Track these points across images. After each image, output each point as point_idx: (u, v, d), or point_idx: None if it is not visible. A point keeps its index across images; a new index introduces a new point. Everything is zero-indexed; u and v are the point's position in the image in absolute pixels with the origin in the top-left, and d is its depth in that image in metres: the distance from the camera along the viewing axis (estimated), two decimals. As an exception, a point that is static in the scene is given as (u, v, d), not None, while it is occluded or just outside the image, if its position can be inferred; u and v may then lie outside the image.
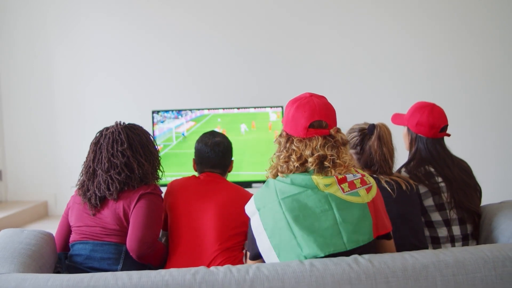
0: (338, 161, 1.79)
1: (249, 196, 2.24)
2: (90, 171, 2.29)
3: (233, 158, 2.62)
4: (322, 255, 1.68)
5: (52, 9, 5.02)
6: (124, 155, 2.26)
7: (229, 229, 2.30)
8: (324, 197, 1.73)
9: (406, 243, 2.10)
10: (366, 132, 2.31)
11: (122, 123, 2.39)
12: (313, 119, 1.80)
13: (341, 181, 1.76)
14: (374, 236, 1.75)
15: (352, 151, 2.35)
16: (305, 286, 1.59)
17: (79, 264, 2.17)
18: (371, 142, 2.27)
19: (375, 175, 2.26)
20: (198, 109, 4.32)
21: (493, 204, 2.41)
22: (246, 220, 1.94)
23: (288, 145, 1.84)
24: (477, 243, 2.42)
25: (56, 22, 5.03)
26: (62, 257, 2.18)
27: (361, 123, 2.40)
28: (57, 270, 2.10)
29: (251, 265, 1.67)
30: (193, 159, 2.57)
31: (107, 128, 2.36)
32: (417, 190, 2.29)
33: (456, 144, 4.59)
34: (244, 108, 4.28)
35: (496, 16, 4.72)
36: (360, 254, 1.70)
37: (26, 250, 1.92)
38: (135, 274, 1.64)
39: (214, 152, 2.49)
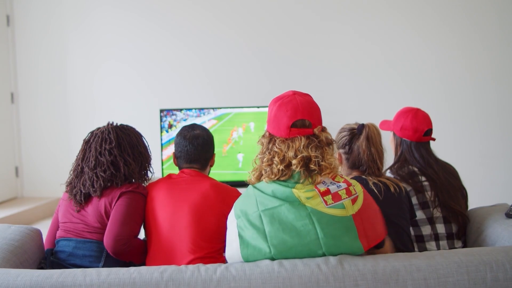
0: (323, 163, 1.70)
1: (229, 195, 2.20)
2: (78, 169, 2.33)
3: (215, 152, 2.50)
4: None
5: (66, 9, 5.12)
6: (111, 154, 2.28)
7: (205, 237, 2.18)
8: (305, 212, 1.65)
9: None
10: (355, 132, 2.28)
11: (114, 124, 2.41)
12: (296, 118, 1.72)
13: (324, 194, 1.66)
14: (366, 249, 1.67)
15: (341, 151, 2.32)
16: (271, 287, 1.57)
17: (62, 260, 2.20)
18: (360, 142, 2.24)
19: (363, 176, 2.23)
20: (210, 108, 4.31)
21: (484, 207, 2.36)
22: (223, 226, 1.91)
23: (270, 146, 1.76)
24: (463, 244, 2.39)
25: (70, 23, 5.13)
26: (47, 254, 2.21)
27: (352, 123, 2.37)
28: (40, 266, 2.13)
29: (220, 265, 1.66)
30: (173, 152, 2.46)
31: (98, 128, 2.39)
32: (406, 193, 2.25)
33: (466, 144, 4.60)
34: (257, 107, 4.25)
35: (508, 19, 4.63)
36: None
37: (9, 246, 1.95)
38: (104, 271, 1.64)
39: (193, 145, 2.37)
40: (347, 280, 1.57)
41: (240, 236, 1.71)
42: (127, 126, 2.43)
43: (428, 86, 4.68)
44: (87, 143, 2.35)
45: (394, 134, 2.58)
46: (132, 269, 1.66)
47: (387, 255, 1.67)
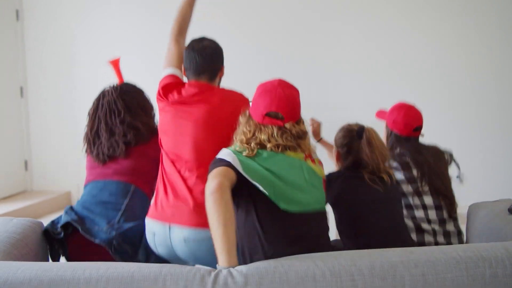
0: (299, 149, 1.86)
1: (238, 104, 2.16)
2: (90, 138, 2.42)
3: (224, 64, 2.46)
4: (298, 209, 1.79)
5: (74, 3, 5.15)
6: (123, 122, 2.37)
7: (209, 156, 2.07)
8: (298, 162, 1.82)
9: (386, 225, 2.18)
10: (355, 134, 2.29)
11: (117, 88, 2.46)
12: (270, 109, 1.83)
13: (307, 156, 1.86)
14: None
15: (339, 149, 2.35)
16: (268, 281, 1.57)
17: (88, 203, 2.31)
18: (362, 147, 2.24)
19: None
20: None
21: (486, 202, 2.34)
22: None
23: (247, 126, 1.87)
24: (455, 222, 2.47)
25: (78, 17, 5.16)
26: (56, 221, 2.34)
27: (353, 123, 2.38)
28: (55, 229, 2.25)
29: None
30: (183, 66, 2.42)
31: (103, 95, 2.43)
32: (396, 182, 2.40)
33: (467, 141, 4.57)
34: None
35: (508, 17, 4.57)
36: (318, 223, 1.85)
37: (10, 239, 1.97)
38: (103, 266, 1.65)
39: (201, 56, 2.31)
40: (343, 275, 1.57)
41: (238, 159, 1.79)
42: (129, 86, 2.52)
43: (429, 84, 4.66)
44: (94, 112, 2.42)
45: (386, 125, 2.67)
46: (131, 264, 1.67)
47: (384, 250, 1.67)
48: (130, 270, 1.63)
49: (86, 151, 2.45)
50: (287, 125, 1.81)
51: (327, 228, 1.92)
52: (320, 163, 1.92)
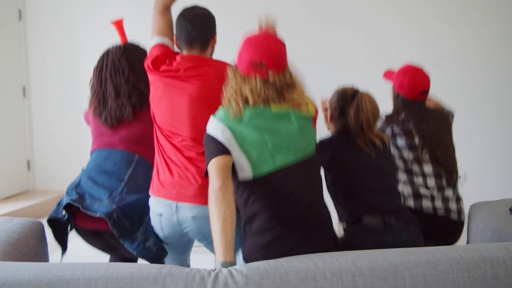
0: (284, 102, 1.85)
1: None
2: (100, 97, 2.39)
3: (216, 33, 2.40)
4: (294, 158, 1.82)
5: (77, 2, 5.15)
6: (128, 81, 2.37)
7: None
8: (283, 111, 1.83)
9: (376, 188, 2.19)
10: (348, 97, 2.30)
11: (120, 47, 2.49)
12: (254, 58, 1.82)
13: (294, 105, 1.87)
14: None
15: (333, 111, 2.37)
16: (268, 282, 1.56)
17: (93, 171, 2.31)
18: (350, 111, 2.26)
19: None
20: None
21: (488, 202, 2.33)
22: None
23: (233, 80, 1.87)
24: (453, 189, 2.49)
25: (81, 16, 5.16)
26: (62, 202, 2.31)
27: (349, 86, 2.39)
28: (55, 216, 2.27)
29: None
30: (174, 34, 2.35)
31: (107, 54, 2.46)
32: (396, 146, 2.45)
33: (465, 143, 4.54)
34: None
35: (507, 17, 4.58)
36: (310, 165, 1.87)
37: (10, 238, 1.96)
38: (102, 266, 1.65)
39: (193, 24, 2.24)
40: (344, 276, 1.56)
41: (240, 146, 1.80)
42: (132, 46, 2.54)
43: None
44: (100, 72, 2.42)
45: (392, 87, 2.65)
46: (131, 264, 1.66)
47: (385, 250, 1.66)
48: (130, 270, 1.62)
49: (93, 114, 2.41)
50: (271, 79, 1.81)
51: (320, 177, 1.95)
52: (309, 104, 1.93)
